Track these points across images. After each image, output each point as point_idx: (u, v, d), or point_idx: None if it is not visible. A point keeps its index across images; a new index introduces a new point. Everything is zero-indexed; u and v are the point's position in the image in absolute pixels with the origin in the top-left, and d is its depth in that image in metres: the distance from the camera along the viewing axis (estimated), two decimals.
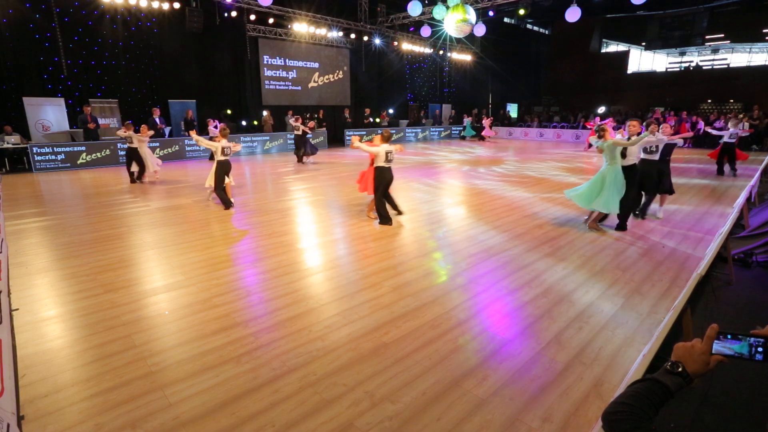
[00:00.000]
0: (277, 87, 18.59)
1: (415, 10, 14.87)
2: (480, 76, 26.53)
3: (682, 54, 27.03)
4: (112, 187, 9.44)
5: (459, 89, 26.54)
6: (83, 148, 12.29)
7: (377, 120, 20.42)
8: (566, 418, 2.35)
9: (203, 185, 8.04)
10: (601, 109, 23.45)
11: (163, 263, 4.76)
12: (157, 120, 13.36)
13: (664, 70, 26.79)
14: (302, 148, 13.02)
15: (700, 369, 1.01)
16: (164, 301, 3.81)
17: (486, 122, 21.99)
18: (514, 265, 4.68)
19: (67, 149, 12.07)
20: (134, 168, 9.77)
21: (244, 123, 17.40)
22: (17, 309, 3.50)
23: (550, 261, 4.79)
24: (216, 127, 13.74)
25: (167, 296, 3.90)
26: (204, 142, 7.41)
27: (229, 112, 16.98)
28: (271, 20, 16.80)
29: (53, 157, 11.85)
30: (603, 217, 6.18)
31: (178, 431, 2.27)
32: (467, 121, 23.01)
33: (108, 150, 12.66)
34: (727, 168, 10.90)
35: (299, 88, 19.32)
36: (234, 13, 15.63)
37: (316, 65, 19.75)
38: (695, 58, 26.51)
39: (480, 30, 15.67)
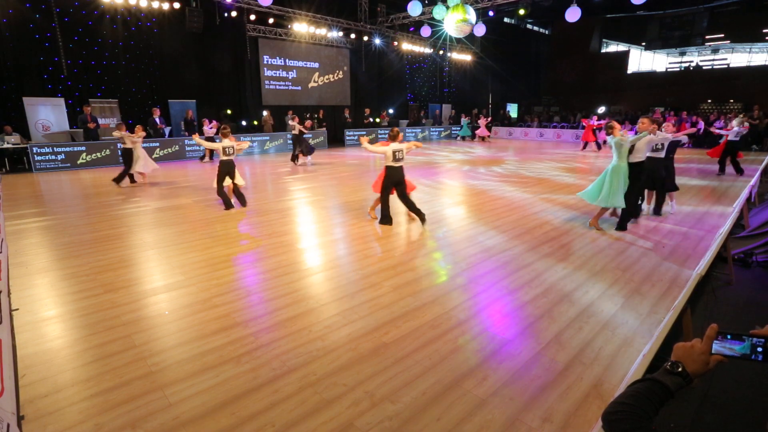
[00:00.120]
0: (277, 87, 18.59)
1: (415, 10, 14.87)
2: (480, 76, 26.53)
3: (682, 54, 27.04)
4: (112, 187, 9.43)
5: (459, 89, 26.54)
6: (83, 148, 12.30)
7: (377, 120, 20.42)
8: (566, 418, 2.35)
9: (203, 185, 8.04)
10: (601, 109, 23.44)
11: (163, 263, 4.76)
12: (157, 120, 13.37)
13: (664, 70, 26.79)
14: (297, 147, 12.77)
15: (700, 369, 1.01)
16: (164, 301, 3.81)
17: (481, 122, 21.66)
18: (514, 265, 4.68)
19: (67, 149, 12.07)
20: (144, 168, 9.66)
21: (244, 123, 17.41)
22: (17, 309, 3.50)
23: (550, 261, 4.79)
24: (211, 127, 13.70)
25: (167, 296, 3.90)
26: (205, 144, 7.41)
27: (229, 112, 16.99)
28: (271, 20, 16.80)
29: (53, 157, 11.86)
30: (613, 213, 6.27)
31: (178, 431, 2.27)
32: (464, 121, 22.72)
33: (108, 150, 12.66)
34: (729, 168, 10.92)
35: (299, 88, 19.32)
36: (234, 13, 15.63)
37: (316, 65, 19.75)
38: (695, 58, 26.52)
39: (480, 30, 15.67)
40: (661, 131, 6.25)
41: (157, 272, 4.51)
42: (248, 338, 3.17)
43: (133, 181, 9.75)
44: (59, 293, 3.98)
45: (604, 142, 17.39)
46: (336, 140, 19.37)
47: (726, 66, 24.64)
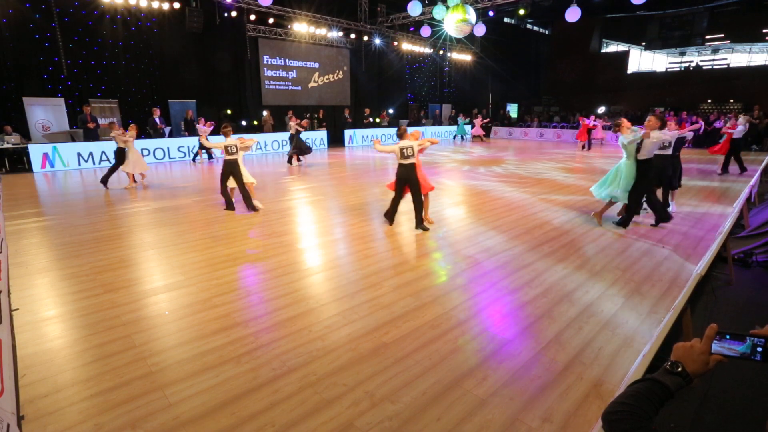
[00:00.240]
0: (277, 87, 18.59)
1: (415, 10, 14.87)
2: (480, 76, 26.53)
3: (682, 54, 27.06)
4: (111, 187, 9.43)
5: (459, 89, 26.54)
6: (83, 148, 12.27)
7: (377, 120, 20.41)
8: (566, 418, 2.35)
9: (203, 185, 8.03)
10: (601, 109, 23.45)
11: (163, 263, 4.76)
12: (157, 120, 13.35)
13: (664, 70, 26.82)
14: (293, 147, 12.60)
15: (700, 369, 1.01)
16: (164, 301, 3.81)
17: (477, 121, 21.23)
18: (514, 265, 4.68)
19: (67, 149, 12.03)
20: (133, 168, 9.63)
21: (244, 123, 17.40)
22: (17, 309, 3.50)
23: (550, 261, 4.79)
24: (206, 126, 13.51)
25: (167, 296, 3.90)
26: (209, 143, 7.40)
27: (229, 112, 16.99)
28: (271, 20, 16.80)
29: (53, 157, 11.83)
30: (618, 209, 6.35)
31: (178, 431, 2.27)
32: (460, 120, 22.02)
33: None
34: (729, 168, 10.93)
35: (299, 88, 19.32)
36: (234, 13, 15.63)
37: (316, 65, 19.75)
38: (695, 58, 26.53)
39: (480, 30, 15.67)
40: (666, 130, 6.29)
41: (157, 272, 4.51)
42: (248, 338, 3.17)
43: (133, 181, 9.74)
44: (59, 293, 3.98)
45: (583, 147, 17.34)
46: (336, 140, 19.36)
47: (726, 66, 24.66)
